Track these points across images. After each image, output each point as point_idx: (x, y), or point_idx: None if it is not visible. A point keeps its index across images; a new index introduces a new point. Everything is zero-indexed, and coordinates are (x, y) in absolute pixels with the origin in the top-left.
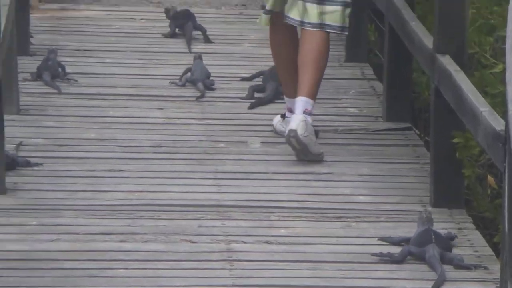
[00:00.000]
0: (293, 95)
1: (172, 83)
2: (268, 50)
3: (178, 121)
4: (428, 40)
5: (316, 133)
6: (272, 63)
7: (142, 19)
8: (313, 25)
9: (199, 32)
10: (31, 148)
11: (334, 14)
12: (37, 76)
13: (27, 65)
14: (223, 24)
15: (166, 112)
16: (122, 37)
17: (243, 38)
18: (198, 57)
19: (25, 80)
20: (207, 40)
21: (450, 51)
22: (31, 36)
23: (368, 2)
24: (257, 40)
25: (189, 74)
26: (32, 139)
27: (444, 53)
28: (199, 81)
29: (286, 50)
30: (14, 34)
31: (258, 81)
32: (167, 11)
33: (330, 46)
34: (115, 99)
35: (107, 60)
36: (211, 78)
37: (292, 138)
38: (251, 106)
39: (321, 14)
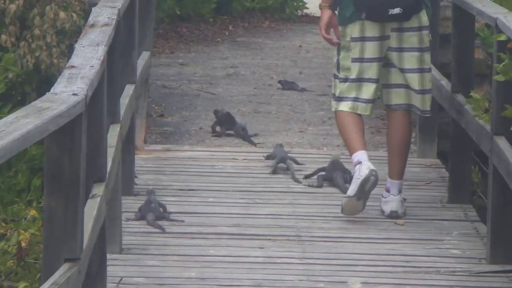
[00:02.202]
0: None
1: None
2: None
3: (278, 260)
4: None
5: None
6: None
7: (244, 159)
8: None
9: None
10: (132, 287)
11: None
12: (141, 217)
13: (130, 204)
14: (324, 164)
15: (266, 251)
16: (225, 176)
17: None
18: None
19: (128, 219)
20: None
21: None
22: (136, 177)
23: (471, 144)
24: None
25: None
26: (134, 278)
27: None
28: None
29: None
30: (119, 174)
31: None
32: (267, 157)
33: (432, 187)
34: (216, 238)
35: (210, 200)
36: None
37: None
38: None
39: None
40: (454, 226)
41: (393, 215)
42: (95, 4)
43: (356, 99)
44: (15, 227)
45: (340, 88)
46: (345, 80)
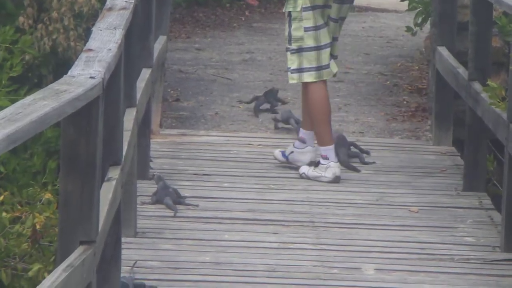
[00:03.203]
0: (332, 141)
1: None
2: (385, 177)
3: (292, 246)
4: None
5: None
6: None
7: (259, 144)
8: None
9: None
10: (147, 270)
11: None
12: (156, 200)
13: (145, 188)
14: None
15: (281, 236)
16: (240, 162)
17: (360, 165)
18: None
19: (143, 203)
20: None
21: None
22: (151, 161)
23: (487, 132)
24: (374, 167)
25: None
26: (148, 262)
27: None
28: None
29: (328, 103)
30: (135, 158)
31: None
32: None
33: (447, 175)
34: (231, 223)
35: (225, 185)
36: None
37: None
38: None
39: None
40: (468, 214)
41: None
42: None
43: (319, 68)
44: (30, 210)
45: (297, 59)
46: (300, 50)
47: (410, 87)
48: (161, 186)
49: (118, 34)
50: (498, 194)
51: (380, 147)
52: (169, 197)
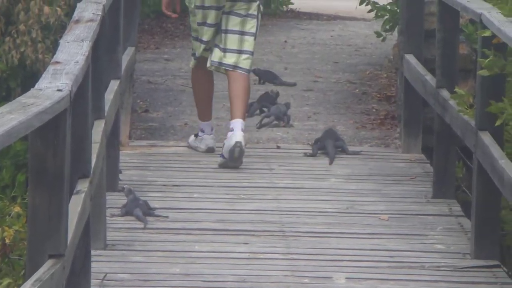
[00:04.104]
0: (208, 118)
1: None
2: (355, 185)
3: (263, 256)
4: None
5: None
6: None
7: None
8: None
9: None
10: (117, 283)
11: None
12: (126, 212)
13: (114, 200)
14: (310, 160)
15: (251, 246)
16: (209, 172)
17: (329, 174)
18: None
19: (112, 215)
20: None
21: None
22: (120, 172)
23: (456, 139)
24: (344, 175)
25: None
26: (118, 274)
27: None
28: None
29: (205, 87)
30: (104, 170)
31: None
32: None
33: (417, 182)
34: (201, 233)
35: (195, 195)
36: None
37: (237, 148)
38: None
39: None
40: (438, 221)
41: (238, 145)
42: (80, 0)
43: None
44: None
45: (194, 46)
46: (196, 39)
47: (379, 95)
48: (131, 199)
49: (86, 46)
50: (467, 201)
51: (350, 155)
52: (139, 209)
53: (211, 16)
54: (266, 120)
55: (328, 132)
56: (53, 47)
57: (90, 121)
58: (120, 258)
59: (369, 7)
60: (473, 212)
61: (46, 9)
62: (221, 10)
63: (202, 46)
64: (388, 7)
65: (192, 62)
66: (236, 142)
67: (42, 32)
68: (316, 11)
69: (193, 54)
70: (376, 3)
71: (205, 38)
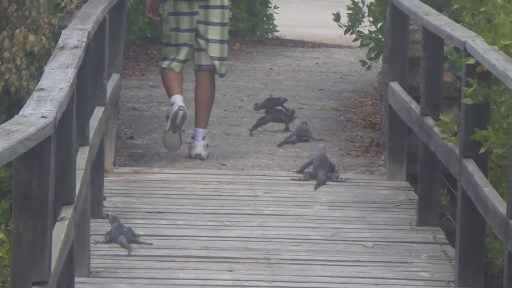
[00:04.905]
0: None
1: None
2: (339, 213)
3: (247, 283)
4: (502, 206)
5: None
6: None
7: (214, 182)
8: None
9: None
10: None
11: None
12: (110, 239)
13: (99, 227)
14: (295, 187)
15: (235, 274)
16: (194, 199)
17: (314, 201)
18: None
19: (96, 242)
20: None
21: None
22: (104, 199)
23: (440, 167)
24: (328, 202)
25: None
26: None
27: None
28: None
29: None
30: (88, 197)
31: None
32: None
33: (401, 210)
34: (185, 261)
35: (179, 222)
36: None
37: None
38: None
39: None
40: (423, 248)
41: (198, 157)
42: (65, 27)
43: (173, 60)
44: None
45: (164, 50)
46: (167, 45)
47: (363, 122)
48: (115, 226)
49: (70, 73)
50: (451, 229)
51: (334, 182)
52: (123, 236)
53: (184, 22)
54: (290, 139)
55: (320, 160)
56: (38, 74)
57: (74, 147)
58: (104, 285)
59: (354, 35)
60: (457, 239)
61: (31, 37)
62: (195, 17)
63: (174, 49)
64: (373, 35)
65: (165, 63)
66: (196, 155)
67: (26, 59)
68: (301, 38)
69: (164, 58)
70: (361, 32)
71: (179, 41)
